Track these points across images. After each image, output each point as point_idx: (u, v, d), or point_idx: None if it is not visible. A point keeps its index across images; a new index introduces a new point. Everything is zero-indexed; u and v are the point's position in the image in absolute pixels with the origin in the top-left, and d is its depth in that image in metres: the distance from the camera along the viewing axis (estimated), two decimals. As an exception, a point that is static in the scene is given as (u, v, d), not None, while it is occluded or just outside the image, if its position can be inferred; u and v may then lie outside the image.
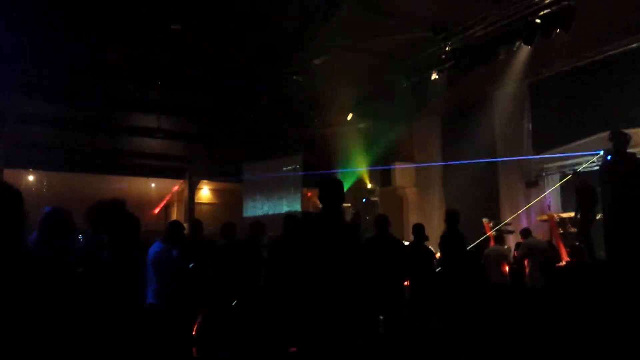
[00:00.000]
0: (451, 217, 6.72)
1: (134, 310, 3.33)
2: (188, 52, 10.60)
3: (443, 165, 14.49)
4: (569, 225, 10.15)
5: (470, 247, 9.61)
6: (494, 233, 11.33)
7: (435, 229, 13.07)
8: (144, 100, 12.51)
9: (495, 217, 12.12)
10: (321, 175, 16.73)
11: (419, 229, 7.16)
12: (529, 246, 8.31)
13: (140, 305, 3.69)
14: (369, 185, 15.87)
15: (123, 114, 13.65)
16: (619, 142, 7.95)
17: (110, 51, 10.37)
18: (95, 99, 12.15)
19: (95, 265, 3.35)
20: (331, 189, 3.90)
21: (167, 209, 18.36)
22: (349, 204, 15.75)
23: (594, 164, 10.29)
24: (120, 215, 3.57)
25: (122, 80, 11.69)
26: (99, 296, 3.03)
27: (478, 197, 12.69)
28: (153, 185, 17.72)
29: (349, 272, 3.66)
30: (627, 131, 8.06)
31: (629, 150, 8.06)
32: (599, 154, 9.63)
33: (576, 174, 9.60)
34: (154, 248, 5.09)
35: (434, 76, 10.55)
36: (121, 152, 15.29)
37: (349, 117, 13.04)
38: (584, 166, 10.82)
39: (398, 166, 15.34)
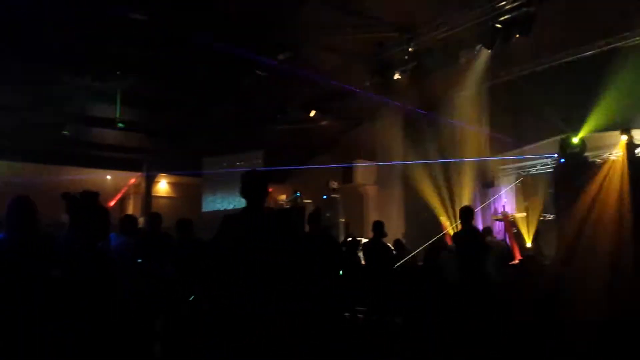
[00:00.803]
0: (464, 214, 6.68)
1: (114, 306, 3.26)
2: (150, 42, 10.33)
3: (404, 164, 14.69)
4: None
5: (426, 245, 9.84)
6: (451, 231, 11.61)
7: (394, 227, 13.32)
8: (102, 90, 12.12)
9: (453, 217, 12.40)
10: (283, 171, 16.72)
11: (378, 226, 7.25)
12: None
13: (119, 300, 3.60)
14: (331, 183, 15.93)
15: (80, 103, 13.20)
16: (573, 146, 8.31)
17: (68, 38, 9.99)
18: (51, 86, 11.70)
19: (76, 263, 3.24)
20: (250, 183, 3.72)
21: (123, 202, 17.89)
22: (310, 200, 15.80)
23: (548, 167, 10.68)
24: (95, 209, 3.47)
25: (80, 69, 11.29)
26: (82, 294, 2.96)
27: (436, 196, 12.94)
28: (109, 177, 17.23)
29: (275, 269, 3.49)
30: (580, 136, 8.42)
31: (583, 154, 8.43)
32: (552, 156, 9.99)
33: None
34: (114, 241, 4.97)
35: (397, 76, 10.66)
36: (77, 143, 14.80)
37: (312, 114, 13.03)
38: (536, 168, 11.22)
39: (360, 164, 15.45)
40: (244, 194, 3.70)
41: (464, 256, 6.52)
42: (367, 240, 8.06)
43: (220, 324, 3.50)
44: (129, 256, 4.95)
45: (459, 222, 12.05)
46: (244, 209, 3.71)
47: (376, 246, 7.24)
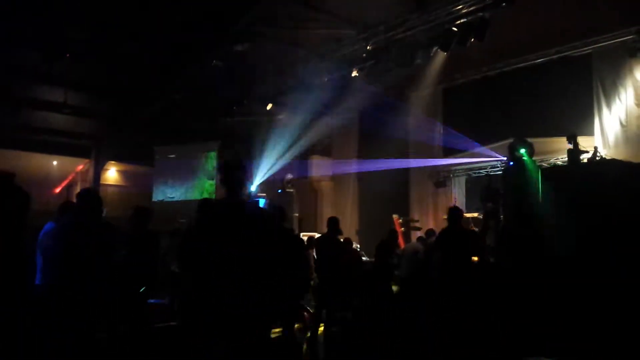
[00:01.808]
0: (451, 215, 6.70)
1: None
2: (102, 25, 9.96)
3: (358, 161, 14.80)
4: (472, 224, 10.73)
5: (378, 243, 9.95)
6: (402, 229, 11.79)
7: (348, 223, 13.41)
8: (50, 73, 11.60)
9: (405, 214, 12.58)
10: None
11: (333, 222, 7.20)
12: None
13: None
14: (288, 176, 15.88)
15: (26, 85, 12.60)
16: (522, 149, 8.57)
17: (16, 18, 9.49)
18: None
19: None
20: (231, 171, 3.70)
21: (69, 188, 17.24)
22: (264, 194, 15.68)
23: (497, 169, 10.98)
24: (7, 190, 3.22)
25: (26, 50, 10.75)
26: None
27: (390, 194, 13.11)
28: (55, 162, 16.57)
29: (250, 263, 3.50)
30: (529, 140, 8.68)
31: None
32: (502, 159, 10.28)
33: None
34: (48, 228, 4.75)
35: (354, 73, 10.69)
36: (21, 126, 14.14)
37: (269, 107, 12.92)
38: (486, 170, 11.50)
39: (315, 160, 15.46)
40: (224, 183, 3.66)
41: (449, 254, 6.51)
42: (320, 235, 8.08)
43: (210, 319, 3.46)
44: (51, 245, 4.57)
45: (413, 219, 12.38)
46: (224, 198, 3.71)
47: (330, 243, 7.23)
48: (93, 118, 14.83)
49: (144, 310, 5.94)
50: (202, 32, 10.08)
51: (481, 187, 10.20)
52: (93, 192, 4.82)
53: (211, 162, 15.83)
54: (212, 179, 15.66)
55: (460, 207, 11.89)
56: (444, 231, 6.78)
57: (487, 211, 9.63)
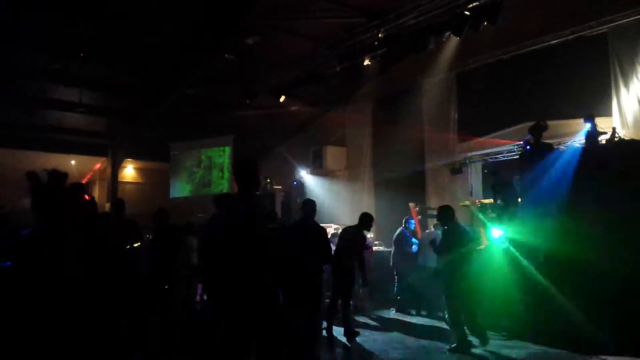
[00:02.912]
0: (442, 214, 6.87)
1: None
2: (115, 23, 10.02)
3: (373, 150, 14.75)
4: (490, 211, 10.64)
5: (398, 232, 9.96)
6: (419, 217, 11.73)
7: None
8: (65, 73, 11.74)
9: (422, 202, 12.52)
10: (253, 156, 16.58)
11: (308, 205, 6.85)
12: None
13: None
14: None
15: (42, 86, 12.77)
16: (538, 133, 8.45)
17: (29, 19, 9.61)
18: (11, 69, 11.27)
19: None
20: (244, 171, 3.85)
21: (88, 187, 17.51)
22: (280, 187, 15.74)
23: (514, 153, 10.85)
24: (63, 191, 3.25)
25: (41, 51, 10.89)
26: None
27: (405, 182, 13.06)
28: (73, 162, 16.81)
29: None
30: (544, 123, 8.56)
31: (546, 140, 8.59)
32: (519, 143, 10.15)
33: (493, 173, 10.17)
34: None
35: (367, 62, 10.62)
36: (39, 127, 14.36)
37: (282, 99, 12.92)
38: (502, 155, 11.39)
39: (329, 150, 15.46)
40: (237, 181, 3.83)
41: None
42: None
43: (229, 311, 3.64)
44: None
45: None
46: (237, 194, 3.89)
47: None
48: (109, 116, 15.00)
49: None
50: (213, 26, 10.11)
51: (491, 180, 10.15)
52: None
53: (226, 156, 15.92)
54: (227, 174, 15.78)
55: (477, 194, 11.90)
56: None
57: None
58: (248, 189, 3.83)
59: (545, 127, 8.46)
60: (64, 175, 3.32)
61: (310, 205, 6.53)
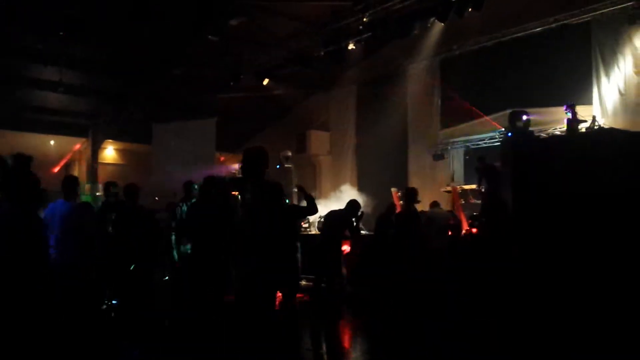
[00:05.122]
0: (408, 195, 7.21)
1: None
2: (96, 2, 9.79)
3: (357, 135, 14.75)
4: (471, 196, 10.76)
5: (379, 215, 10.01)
6: (401, 202, 11.80)
7: (347, 197, 13.38)
8: (45, 52, 11.45)
9: (404, 187, 12.58)
10: (236, 140, 16.48)
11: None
12: (428, 215, 9.00)
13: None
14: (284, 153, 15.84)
15: (20, 64, 12.45)
16: (520, 121, 8.51)
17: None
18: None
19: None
20: (252, 159, 4.07)
21: (67, 168, 17.22)
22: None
23: (495, 140, 10.95)
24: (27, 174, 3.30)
25: (20, 29, 10.59)
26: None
27: (388, 167, 13.11)
28: (52, 142, 16.49)
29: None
30: (527, 110, 8.62)
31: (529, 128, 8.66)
32: (501, 130, 10.24)
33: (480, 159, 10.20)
34: (64, 207, 5.32)
35: (351, 46, 10.59)
36: (18, 106, 14.03)
37: (266, 82, 12.82)
38: (484, 142, 11.49)
39: (313, 134, 15.42)
40: (244, 170, 4.15)
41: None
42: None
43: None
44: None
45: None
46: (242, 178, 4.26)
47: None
48: (89, 96, 14.70)
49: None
50: (197, 6, 9.94)
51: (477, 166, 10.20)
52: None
53: (208, 139, 15.76)
54: (211, 156, 15.67)
55: (459, 179, 12.01)
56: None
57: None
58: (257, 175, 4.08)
59: (525, 116, 8.54)
60: (29, 158, 3.50)
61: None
